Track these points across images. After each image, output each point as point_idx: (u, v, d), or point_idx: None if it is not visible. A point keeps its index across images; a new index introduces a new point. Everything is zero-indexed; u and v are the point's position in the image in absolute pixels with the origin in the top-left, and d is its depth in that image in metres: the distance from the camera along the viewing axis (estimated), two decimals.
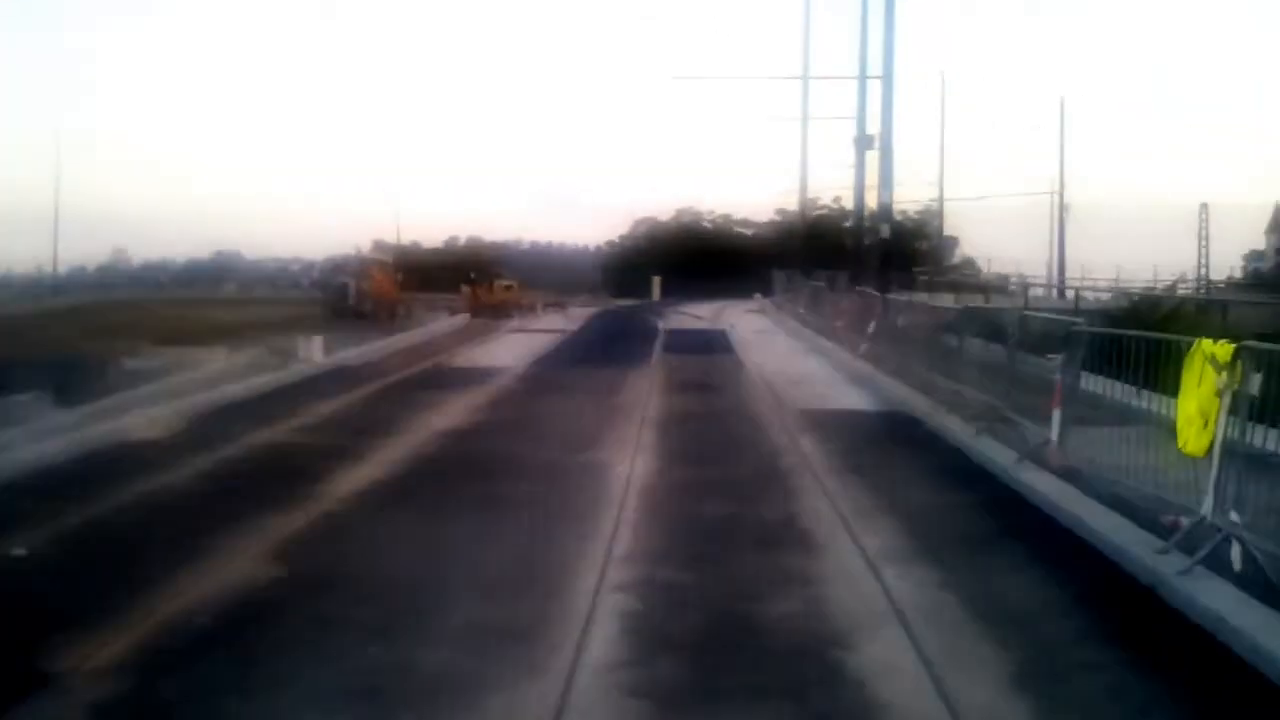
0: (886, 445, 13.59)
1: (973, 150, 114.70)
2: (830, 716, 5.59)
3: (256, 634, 6.63)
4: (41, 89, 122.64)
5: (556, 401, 17.39)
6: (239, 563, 8.17)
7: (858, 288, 30.18)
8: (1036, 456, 11.04)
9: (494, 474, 11.54)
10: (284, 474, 11.53)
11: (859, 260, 38.98)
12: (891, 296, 26.77)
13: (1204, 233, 69.67)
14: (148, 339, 24.64)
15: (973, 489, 10.80)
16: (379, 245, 68.53)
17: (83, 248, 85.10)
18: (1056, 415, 10.44)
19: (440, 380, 20.50)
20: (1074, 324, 10.73)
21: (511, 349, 27.40)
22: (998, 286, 60.44)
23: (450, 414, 15.82)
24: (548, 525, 9.33)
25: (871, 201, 40.95)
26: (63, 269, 77.54)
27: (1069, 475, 10.26)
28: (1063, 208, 68.05)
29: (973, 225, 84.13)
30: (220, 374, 19.49)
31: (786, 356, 25.81)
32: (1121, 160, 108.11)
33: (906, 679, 5.90)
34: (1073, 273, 64.23)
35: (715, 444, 13.56)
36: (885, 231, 35.98)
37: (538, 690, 5.75)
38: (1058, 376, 10.55)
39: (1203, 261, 69.32)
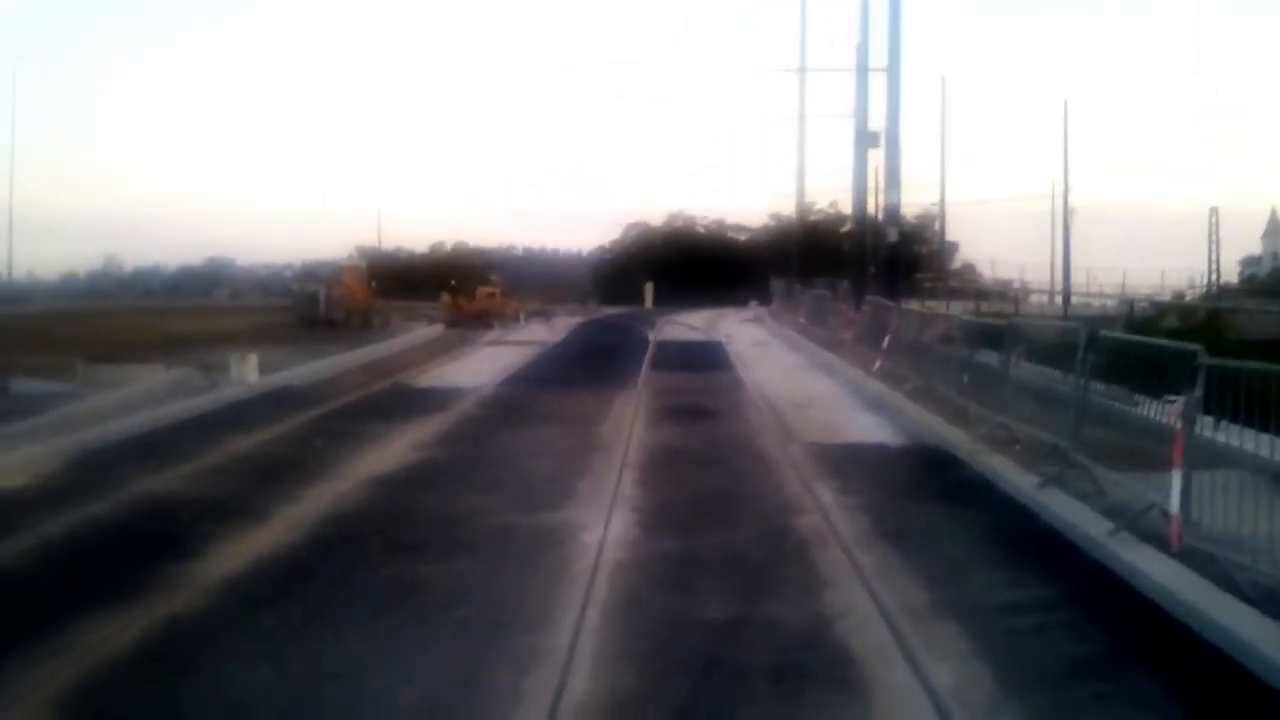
0: (927, 497, 10.83)
1: (971, 152, 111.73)
2: None
3: None
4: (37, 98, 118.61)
5: (522, 434, 14.63)
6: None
7: (868, 296, 27.53)
8: (1138, 526, 8.31)
9: (424, 545, 8.80)
10: (149, 545, 8.80)
11: (860, 266, 36.50)
12: (906, 306, 24.17)
13: (1214, 237, 66.98)
14: (84, 353, 21.92)
15: (1060, 574, 7.99)
16: (360, 251, 66.26)
17: (82, 252, 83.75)
18: (1177, 477, 7.65)
19: (394, 404, 17.75)
20: (1193, 351, 7.96)
21: (484, 365, 24.66)
22: (999, 292, 58.00)
23: (392, 452, 13.07)
24: (478, 638, 6.58)
25: (870, 205, 38.48)
26: (55, 275, 76.95)
27: (1190, 557, 7.55)
28: (1067, 211, 65.42)
29: (972, 229, 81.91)
30: (136, 398, 16.75)
31: (790, 373, 23.02)
32: (1117, 164, 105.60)
33: None
34: (1076, 278, 61.71)
35: (712, 496, 10.79)
36: (893, 235, 33.44)
37: None
38: (1177, 424, 7.77)
39: (1213, 266, 66.77)
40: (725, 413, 16.88)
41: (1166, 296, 52.58)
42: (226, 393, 17.71)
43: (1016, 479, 10.92)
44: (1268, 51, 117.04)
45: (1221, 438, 8.21)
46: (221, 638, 6.67)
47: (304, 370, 21.34)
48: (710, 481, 11.55)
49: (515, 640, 6.53)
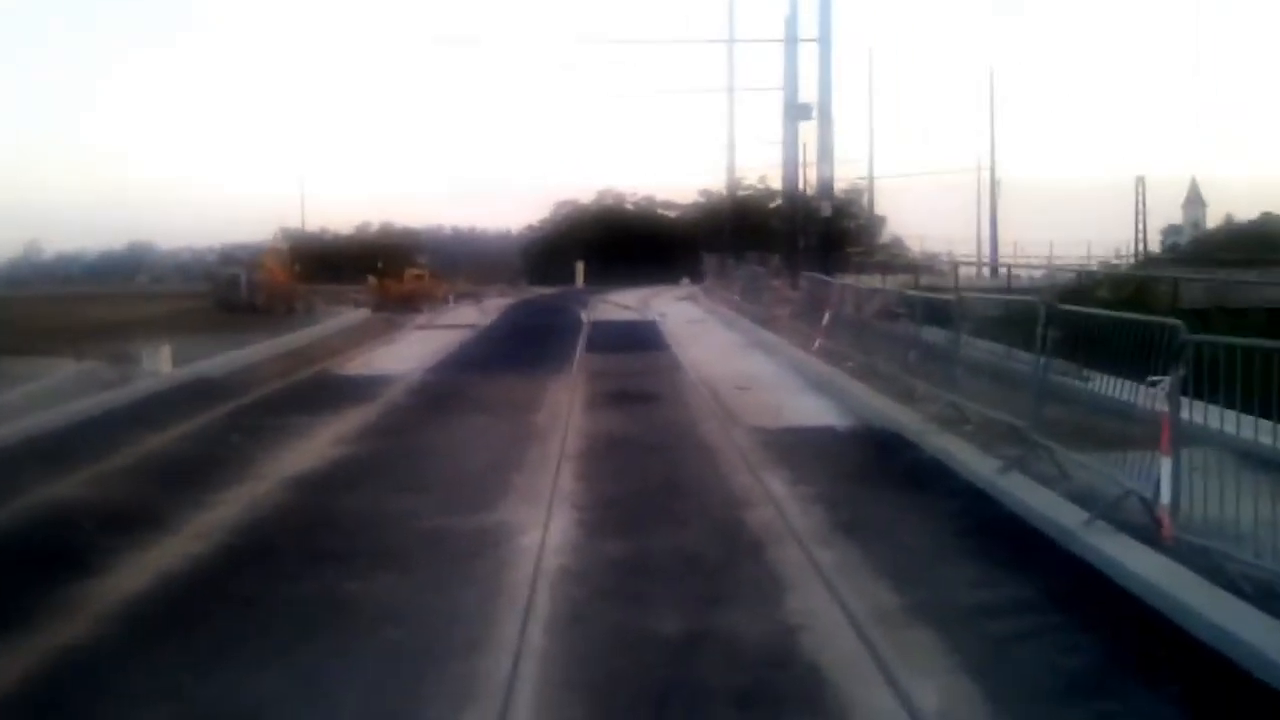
0: (882, 485, 10.29)
1: (897, 127, 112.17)
2: None
3: None
4: None
5: (454, 424, 13.90)
6: None
7: (805, 272, 27.08)
8: (1114, 515, 7.82)
9: (348, 554, 8.07)
10: (40, 561, 7.98)
11: (791, 242, 36.15)
12: (844, 281, 23.75)
13: (1141, 207, 67.57)
14: None
15: (1038, 570, 7.43)
16: (284, 232, 64.53)
17: (1, 239, 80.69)
18: (1167, 464, 7.12)
19: (318, 394, 16.91)
20: (1173, 326, 7.44)
21: (412, 350, 23.81)
22: (927, 266, 57.92)
23: (314, 447, 12.28)
24: (409, 665, 5.90)
25: (799, 180, 38.02)
26: None
27: (1174, 549, 7.06)
28: (994, 184, 65.57)
29: (898, 203, 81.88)
30: (41, 393, 15.73)
31: (728, 353, 22.44)
32: (1040, 136, 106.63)
33: None
34: (1004, 250, 61.85)
35: (657, 490, 10.14)
36: (827, 209, 33.12)
37: None
38: (1162, 408, 7.25)
39: (1140, 235, 67.37)
40: (665, 397, 16.26)
41: (1094, 267, 52.81)
42: (139, 386, 16.72)
43: (973, 462, 10.42)
44: (1185, 25, 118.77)
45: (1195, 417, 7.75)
46: (120, 672, 5.92)
47: (222, 360, 20.33)
48: (654, 473, 10.91)
49: (450, 667, 5.86)
